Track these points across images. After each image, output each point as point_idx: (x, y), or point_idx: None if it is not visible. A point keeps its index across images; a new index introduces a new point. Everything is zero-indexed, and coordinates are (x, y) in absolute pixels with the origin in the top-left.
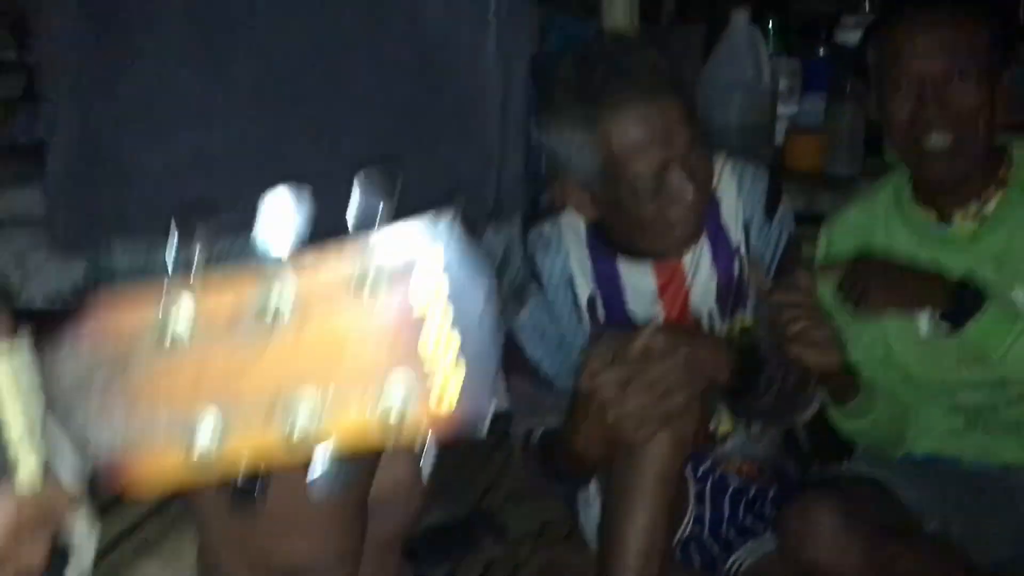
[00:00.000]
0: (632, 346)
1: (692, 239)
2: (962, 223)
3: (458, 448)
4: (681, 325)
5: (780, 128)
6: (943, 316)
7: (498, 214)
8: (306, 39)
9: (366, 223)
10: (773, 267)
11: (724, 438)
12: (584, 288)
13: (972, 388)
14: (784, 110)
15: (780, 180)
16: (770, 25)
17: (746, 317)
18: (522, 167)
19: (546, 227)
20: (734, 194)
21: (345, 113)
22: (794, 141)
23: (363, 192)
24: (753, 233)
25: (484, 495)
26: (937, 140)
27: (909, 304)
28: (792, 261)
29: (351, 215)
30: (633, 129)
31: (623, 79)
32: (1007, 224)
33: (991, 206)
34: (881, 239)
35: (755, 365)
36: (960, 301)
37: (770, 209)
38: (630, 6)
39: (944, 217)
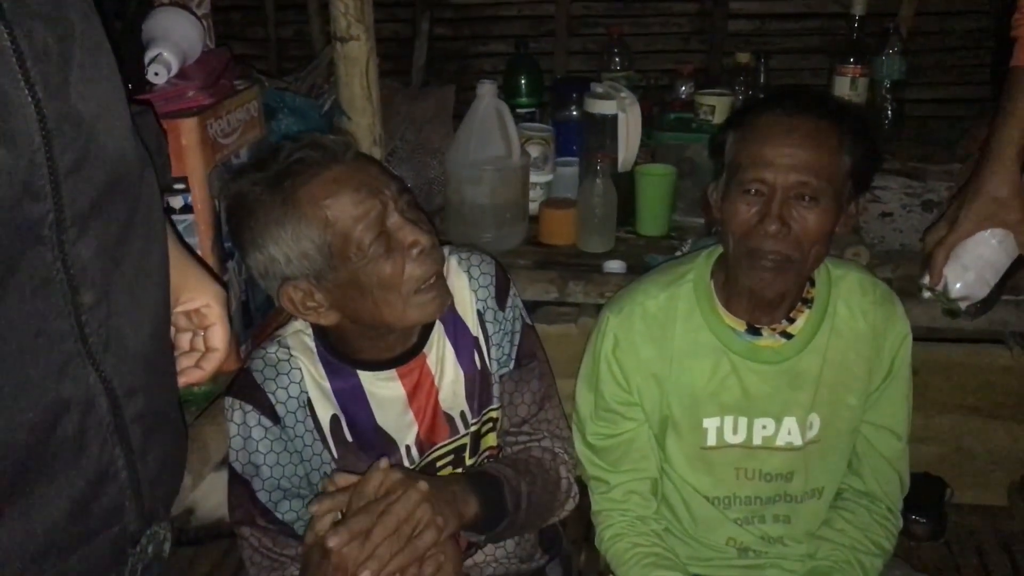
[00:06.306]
0: (365, 489)
1: (442, 289)
2: (769, 337)
3: None
4: (405, 470)
5: (535, 195)
6: None
7: None
8: None
9: None
10: (513, 355)
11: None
12: (325, 409)
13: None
14: (538, 178)
15: (503, 267)
16: (523, 84)
17: (494, 409)
18: None
19: (271, 349)
20: (465, 284)
21: None
22: (548, 216)
23: None
24: (488, 323)
25: None
26: (771, 255)
27: None
28: (530, 348)
29: None
30: (343, 197)
31: (308, 153)
32: (810, 345)
33: (799, 324)
34: (680, 334)
35: (497, 487)
36: None
37: (501, 296)
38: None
39: (752, 328)
